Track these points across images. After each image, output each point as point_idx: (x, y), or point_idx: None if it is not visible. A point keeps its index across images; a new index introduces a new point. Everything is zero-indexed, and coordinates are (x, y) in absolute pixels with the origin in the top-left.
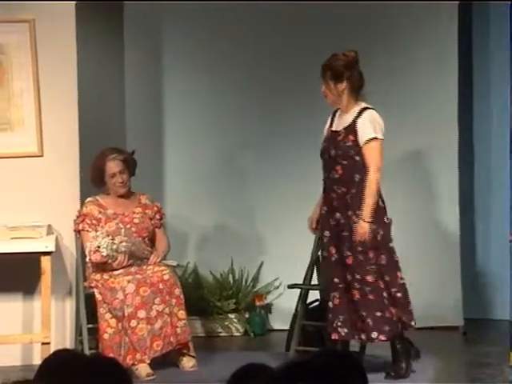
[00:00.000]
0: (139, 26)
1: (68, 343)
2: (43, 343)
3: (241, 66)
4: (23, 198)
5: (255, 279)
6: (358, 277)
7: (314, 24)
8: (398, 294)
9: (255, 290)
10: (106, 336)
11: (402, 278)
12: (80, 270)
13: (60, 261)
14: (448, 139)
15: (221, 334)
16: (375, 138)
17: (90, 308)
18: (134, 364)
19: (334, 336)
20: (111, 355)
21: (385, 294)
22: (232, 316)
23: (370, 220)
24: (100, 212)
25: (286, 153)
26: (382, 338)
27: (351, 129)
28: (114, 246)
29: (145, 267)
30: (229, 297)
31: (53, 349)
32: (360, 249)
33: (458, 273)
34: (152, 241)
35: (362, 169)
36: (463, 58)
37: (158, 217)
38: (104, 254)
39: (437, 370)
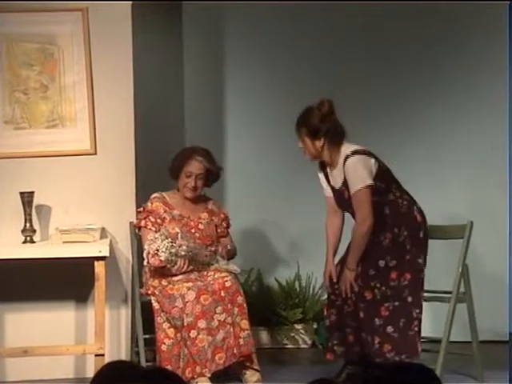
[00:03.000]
0: (198, 20)
1: (123, 355)
2: (97, 355)
3: (303, 63)
4: (75, 199)
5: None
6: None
7: (383, 22)
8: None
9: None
10: (163, 347)
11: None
12: (136, 276)
13: (115, 266)
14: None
15: (287, 346)
16: (359, 189)
17: (146, 317)
18: (193, 377)
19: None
20: (169, 368)
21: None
22: (299, 327)
23: (353, 268)
24: (165, 211)
25: None
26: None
27: (347, 185)
28: (174, 250)
29: (206, 273)
30: (295, 306)
31: (107, 360)
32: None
33: None
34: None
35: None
36: None
37: (224, 225)
38: (162, 258)
39: None
